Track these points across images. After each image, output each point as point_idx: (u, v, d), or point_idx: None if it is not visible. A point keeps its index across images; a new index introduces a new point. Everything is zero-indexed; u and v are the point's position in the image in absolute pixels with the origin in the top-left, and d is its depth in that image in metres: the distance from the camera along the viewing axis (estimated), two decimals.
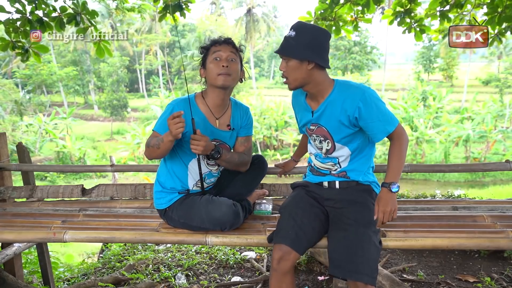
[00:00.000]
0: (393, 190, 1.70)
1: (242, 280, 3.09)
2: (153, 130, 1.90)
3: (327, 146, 1.85)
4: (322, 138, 1.85)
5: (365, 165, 1.87)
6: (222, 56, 1.87)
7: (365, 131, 1.77)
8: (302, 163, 2.39)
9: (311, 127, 1.88)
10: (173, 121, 1.67)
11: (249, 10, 37.78)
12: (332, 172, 1.89)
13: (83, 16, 3.29)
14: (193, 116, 1.82)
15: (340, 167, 1.86)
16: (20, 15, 3.15)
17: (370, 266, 1.62)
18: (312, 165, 1.97)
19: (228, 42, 1.92)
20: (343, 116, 1.74)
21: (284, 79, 1.77)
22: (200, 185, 1.96)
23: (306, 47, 1.67)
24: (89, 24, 3.37)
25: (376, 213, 1.70)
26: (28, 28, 3.20)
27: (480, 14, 3.61)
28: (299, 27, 1.71)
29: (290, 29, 1.72)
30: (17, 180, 5.30)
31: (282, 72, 1.76)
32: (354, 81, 1.83)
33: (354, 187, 1.85)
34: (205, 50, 1.92)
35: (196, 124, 1.83)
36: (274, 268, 1.71)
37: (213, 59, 1.87)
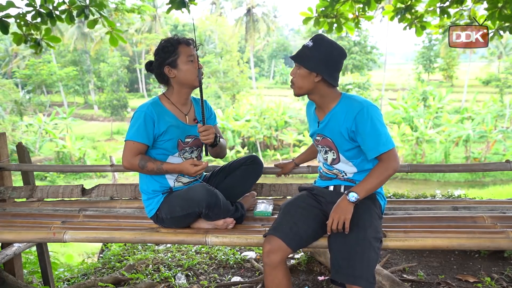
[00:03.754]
0: (349, 199, 1.69)
1: (242, 280, 3.09)
2: (130, 140, 1.87)
3: (333, 156, 1.88)
4: (327, 149, 1.88)
5: None
6: (195, 57, 1.92)
7: (361, 146, 1.78)
8: (302, 164, 2.39)
9: (317, 138, 1.91)
10: (195, 168, 1.85)
11: (249, 10, 37.75)
12: (339, 176, 1.91)
13: (91, 8, 3.28)
14: (164, 117, 1.91)
15: (346, 175, 1.89)
16: (31, 8, 3.16)
17: (368, 271, 1.62)
18: (321, 171, 2.00)
19: (192, 43, 1.95)
20: (344, 128, 1.77)
21: (292, 84, 1.82)
22: (180, 180, 2.01)
23: (318, 60, 1.72)
24: (99, 16, 3.37)
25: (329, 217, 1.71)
26: (39, 21, 3.22)
27: (481, 10, 3.63)
28: (318, 40, 1.75)
29: (310, 40, 1.76)
30: (17, 180, 5.30)
31: (291, 76, 1.81)
32: (360, 97, 1.85)
33: None
34: (173, 49, 1.89)
35: (168, 124, 1.91)
36: (265, 261, 1.73)
37: (187, 61, 1.89)
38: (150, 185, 1.99)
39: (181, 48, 1.90)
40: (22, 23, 3.22)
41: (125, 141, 1.90)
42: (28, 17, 3.21)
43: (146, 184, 2.00)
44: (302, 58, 1.75)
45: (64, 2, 3.23)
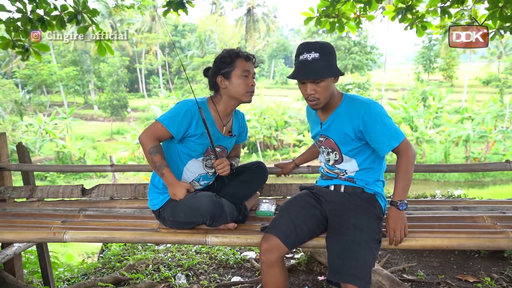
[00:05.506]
0: (400, 208, 1.74)
1: (242, 280, 3.09)
2: (159, 122, 1.86)
3: (335, 157, 1.88)
4: (330, 150, 1.88)
5: (372, 177, 1.88)
6: (250, 73, 1.91)
7: (371, 145, 1.79)
8: (302, 164, 2.39)
9: (320, 139, 1.91)
10: (182, 195, 1.87)
11: (249, 10, 37.78)
12: (339, 176, 1.91)
13: (84, 14, 3.29)
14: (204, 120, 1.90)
15: (347, 175, 1.89)
16: (21, 14, 3.15)
17: (364, 270, 1.62)
18: (322, 171, 2.01)
19: (253, 59, 1.95)
20: (349, 129, 1.77)
21: (313, 101, 1.74)
22: (192, 185, 2.00)
23: (332, 65, 1.71)
24: (90, 23, 3.37)
25: (388, 232, 1.75)
26: (29, 27, 3.21)
27: (481, 10, 3.63)
28: (318, 48, 1.68)
29: (309, 52, 1.67)
30: (17, 180, 5.30)
31: (311, 94, 1.72)
32: (362, 96, 1.85)
33: (359, 194, 1.86)
34: (230, 61, 1.89)
35: (205, 129, 1.89)
36: (262, 260, 1.75)
37: (241, 75, 1.88)
38: (162, 180, 1.95)
39: (238, 61, 1.89)
40: (12, 28, 3.21)
41: (156, 120, 1.87)
42: (18, 23, 3.19)
43: (159, 178, 1.97)
44: (321, 71, 1.68)
45: (55, 8, 3.23)
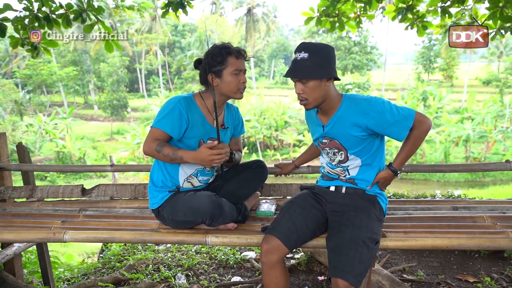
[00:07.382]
0: (396, 175, 1.89)
1: (242, 280, 3.09)
2: (153, 127, 1.85)
3: (340, 157, 1.88)
4: (336, 150, 1.88)
5: (373, 176, 1.88)
6: (241, 70, 1.89)
7: (387, 136, 1.80)
8: (302, 165, 2.39)
9: (323, 141, 1.91)
10: (212, 156, 1.77)
11: (249, 10, 37.77)
12: (341, 177, 1.91)
13: (89, 12, 3.30)
14: (193, 115, 1.89)
15: (349, 174, 1.89)
16: (28, 12, 3.17)
17: (357, 268, 1.61)
18: (323, 171, 2.01)
19: (245, 55, 1.93)
20: (355, 129, 1.77)
21: (302, 100, 1.77)
22: (191, 181, 1.99)
23: (322, 66, 1.70)
24: (96, 21, 3.38)
25: (376, 179, 1.88)
26: (36, 25, 3.23)
27: (482, 9, 3.64)
28: (309, 48, 1.71)
29: (300, 52, 1.71)
30: (17, 180, 5.30)
31: (299, 94, 1.76)
32: (360, 94, 1.85)
33: (360, 194, 1.87)
34: (221, 59, 1.86)
35: (194, 121, 1.89)
36: (263, 261, 1.75)
37: (233, 73, 1.87)
38: (160, 177, 1.96)
39: (230, 59, 1.86)
40: (20, 26, 3.23)
41: (151, 126, 1.87)
42: (26, 21, 3.21)
43: (157, 175, 1.98)
44: (307, 71, 1.70)
45: (61, 6, 3.24)
